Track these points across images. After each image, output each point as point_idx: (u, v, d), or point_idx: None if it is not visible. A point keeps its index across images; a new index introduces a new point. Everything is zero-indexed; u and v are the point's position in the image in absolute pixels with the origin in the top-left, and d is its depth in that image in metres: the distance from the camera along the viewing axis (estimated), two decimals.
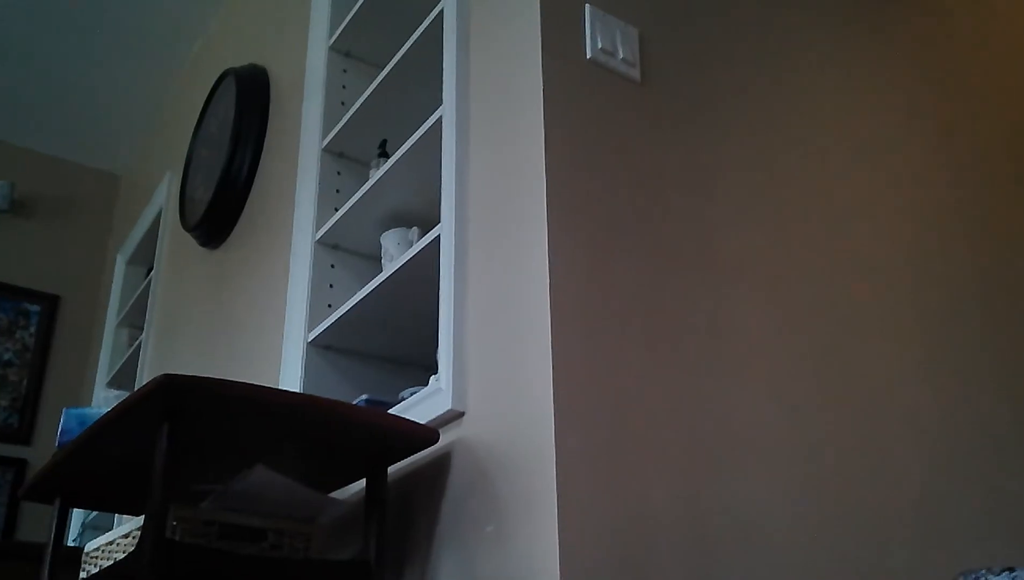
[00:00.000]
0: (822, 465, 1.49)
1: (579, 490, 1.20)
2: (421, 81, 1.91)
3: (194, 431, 1.27)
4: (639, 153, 1.50)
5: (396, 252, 1.84)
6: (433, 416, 1.43)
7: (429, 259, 1.63)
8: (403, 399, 1.64)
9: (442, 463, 1.42)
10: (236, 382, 1.20)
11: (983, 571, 0.93)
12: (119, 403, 1.21)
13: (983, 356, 1.88)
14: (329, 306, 1.96)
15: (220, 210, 2.67)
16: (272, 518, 1.36)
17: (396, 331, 1.87)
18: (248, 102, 2.65)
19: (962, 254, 1.97)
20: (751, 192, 1.63)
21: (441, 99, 1.73)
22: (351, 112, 2.01)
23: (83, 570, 1.49)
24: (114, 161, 4.28)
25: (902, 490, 1.58)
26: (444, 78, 1.67)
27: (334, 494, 1.62)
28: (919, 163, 2.00)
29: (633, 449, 1.28)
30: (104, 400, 3.41)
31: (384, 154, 2.02)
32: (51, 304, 3.96)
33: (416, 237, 1.84)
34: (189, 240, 2.99)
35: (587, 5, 1.52)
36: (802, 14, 1.92)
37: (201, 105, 3.12)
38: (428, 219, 1.90)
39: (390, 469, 1.54)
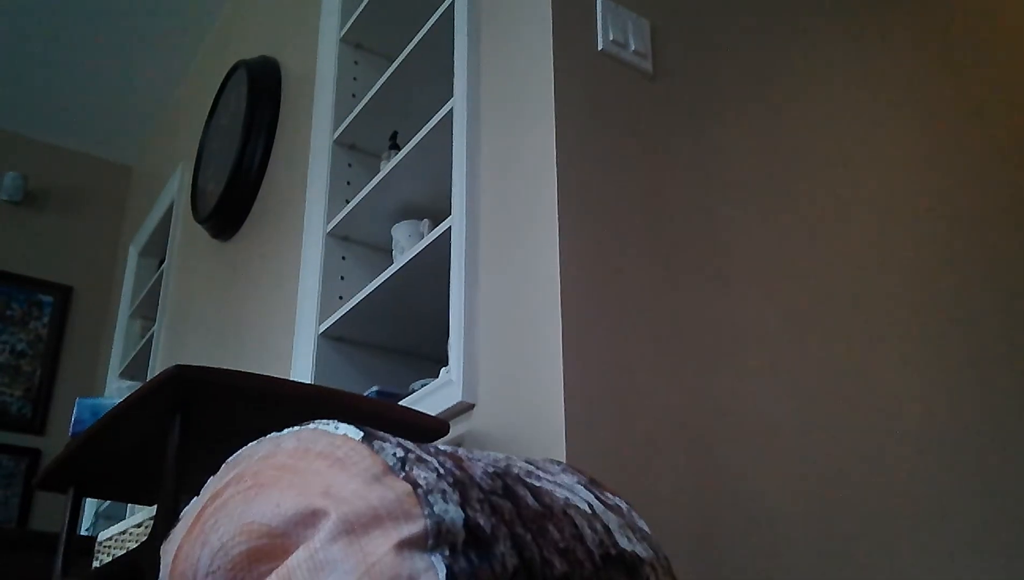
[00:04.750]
0: (831, 466, 1.49)
1: None
2: (432, 73, 1.91)
3: (206, 422, 1.28)
4: (651, 146, 1.49)
5: (407, 244, 1.84)
6: (443, 408, 1.43)
7: (440, 251, 1.63)
8: (413, 391, 1.64)
9: None
10: (247, 373, 1.20)
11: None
12: (132, 393, 1.22)
13: (997, 361, 1.87)
14: (340, 298, 1.97)
15: (232, 202, 2.68)
16: None
17: (407, 323, 1.87)
18: (260, 94, 2.65)
19: (975, 252, 1.96)
20: (762, 186, 1.63)
21: (452, 91, 1.73)
22: (362, 104, 2.01)
23: (96, 559, 1.50)
24: (126, 153, 4.29)
25: (911, 497, 1.58)
26: (455, 70, 1.67)
27: None
28: (932, 159, 1.99)
29: (642, 443, 1.28)
30: (117, 390, 3.43)
31: (395, 146, 2.02)
32: (64, 295, 3.98)
33: (427, 229, 1.84)
34: (201, 232, 3.01)
35: None
36: (814, 6, 1.91)
37: (213, 97, 3.13)
38: (439, 211, 1.91)
39: None
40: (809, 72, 1.82)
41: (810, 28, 1.88)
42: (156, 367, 3.16)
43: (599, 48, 1.49)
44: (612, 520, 0.80)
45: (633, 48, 1.52)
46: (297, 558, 0.67)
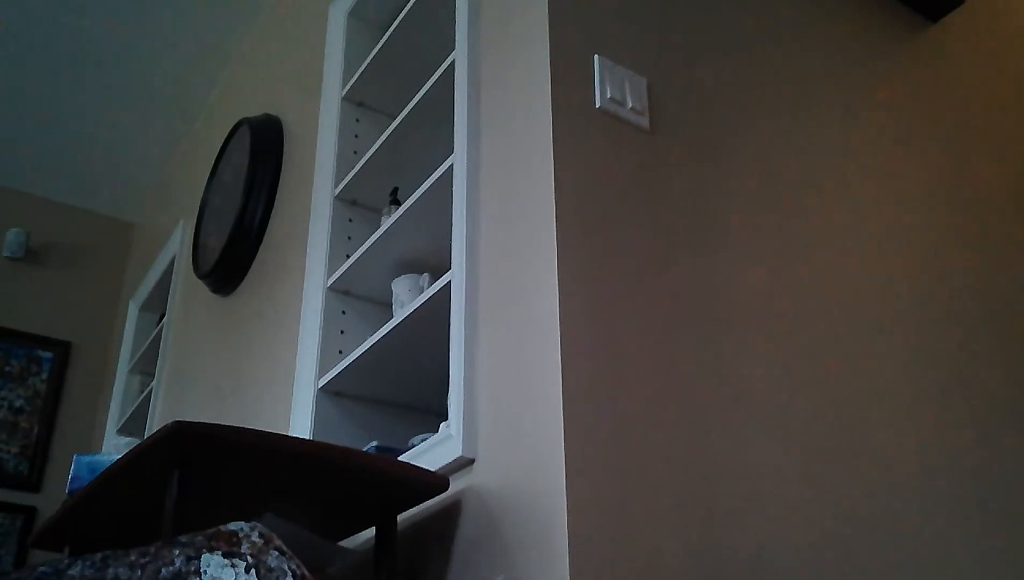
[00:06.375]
0: (836, 512, 1.47)
1: (591, 539, 1.19)
2: (432, 130, 1.94)
3: (204, 478, 1.27)
4: (649, 201, 1.51)
5: (407, 298, 1.85)
6: (443, 463, 1.42)
7: (440, 305, 1.63)
8: (413, 446, 1.63)
9: (452, 511, 1.41)
10: (246, 429, 1.20)
11: None
12: (130, 450, 1.21)
13: (995, 399, 1.87)
14: (340, 352, 1.97)
15: (233, 257, 2.69)
16: None
17: (407, 377, 1.87)
18: (262, 151, 2.68)
19: (973, 289, 1.96)
20: (760, 238, 1.64)
21: (452, 147, 1.75)
22: (363, 160, 2.04)
23: None
24: (129, 209, 4.32)
25: (917, 537, 1.56)
26: (455, 127, 1.69)
27: (343, 542, 1.61)
28: (929, 203, 2.00)
29: (645, 496, 1.27)
30: (115, 447, 3.41)
31: (396, 201, 2.04)
32: (63, 351, 3.98)
33: (427, 283, 1.85)
34: (201, 287, 3.01)
35: (596, 55, 1.55)
36: (808, 59, 1.94)
37: (216, 154, 3.16)
38: (439, 265, 1.92)
39: (400, 517, 1.53)
40: (805, 123, 1.85)
41: (807, 80, 1.90)
42: (154, 423, 3.14)
43: (597, 105, 1.51)
44: None
45: (630, 105, 1.55)
46: None
